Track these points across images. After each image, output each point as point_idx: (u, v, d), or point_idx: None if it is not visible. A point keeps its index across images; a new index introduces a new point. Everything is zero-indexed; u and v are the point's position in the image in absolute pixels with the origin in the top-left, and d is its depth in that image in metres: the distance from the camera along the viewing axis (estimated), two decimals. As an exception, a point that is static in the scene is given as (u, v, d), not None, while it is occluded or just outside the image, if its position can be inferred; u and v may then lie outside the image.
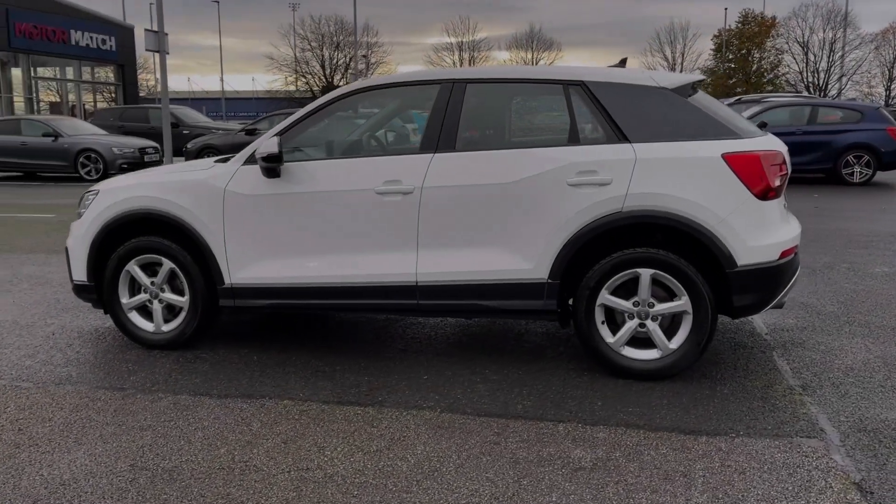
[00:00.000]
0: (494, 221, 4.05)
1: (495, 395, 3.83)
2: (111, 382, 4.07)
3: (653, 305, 3.95)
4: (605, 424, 3.47)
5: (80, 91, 38.67)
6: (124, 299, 4.63)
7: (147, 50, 16.87)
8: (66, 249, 4.76)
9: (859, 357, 4.33)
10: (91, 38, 36.79)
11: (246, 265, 4.38)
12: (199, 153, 17.00)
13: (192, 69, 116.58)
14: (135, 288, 4.64)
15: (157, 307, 4.60)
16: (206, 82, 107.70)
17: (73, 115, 34.04)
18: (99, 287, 4.65)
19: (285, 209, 4.31)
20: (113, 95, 39.84)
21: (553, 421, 3.52)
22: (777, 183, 3.91)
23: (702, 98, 4.27)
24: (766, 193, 3.85)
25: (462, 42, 61.94)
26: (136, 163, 16.99)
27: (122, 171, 16.60)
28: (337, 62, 58.09)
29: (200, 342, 4.65)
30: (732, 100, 18.59)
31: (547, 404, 3.71)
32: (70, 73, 38.25)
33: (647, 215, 3.88)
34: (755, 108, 14.25)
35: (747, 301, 3.91)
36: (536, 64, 63.07)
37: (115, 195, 4.61)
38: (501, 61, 64.27)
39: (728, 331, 4.85)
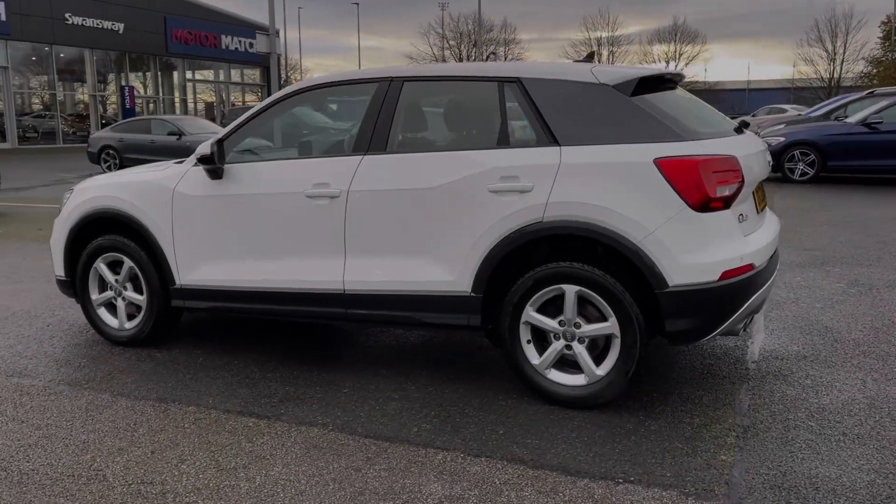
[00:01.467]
0: (418, 228, 3.81)
1: (399, 416, 3.59)
2: (54, 376, 4.20)
3: (580, 326, 3.56)
4: (488, 457, 3.15)
5: (230, 92, 41.10)
6: (94, 295, 4.78)
7: (257, 52, 17.61)
8: (51, 245, 4.98)
9: (844, 396, 3.70)
10: (239, 41, 39.03)
11: (193, 267, 4.38)
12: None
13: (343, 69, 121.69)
14: (105, 285, 4.77)
15: (120, 305, 4.71)
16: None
17: (223, 114, 36.40)
18: (74, 282, 4.83)
19: (224, 211, 4.28)
20: (260, 96, 42.02)
21: (437, 448, 3.25)
22: (725, 192, 3.39)
23: (664, 96, 3.81)
24: (704, 204, 3.35)
25: (601, 37, 60.33)
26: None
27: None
28: (474, 60, 58.33)
29: (166, 341, 4.71)
30: (864, 93, 16.73)
31: (445, 429, 3.43)
32: (221, 75, 40.76)
33: (567, 226, 3.49)
34: (883, 103, 12.78)
35: (682, 326, 3.43)
36: (678, 57, 60.41)
37: (84, 194, 4.76)
38: (642, 55, 62.01)
39: (710, 356, 4.31)
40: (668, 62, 58.11)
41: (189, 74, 38.85)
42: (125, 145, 18.46)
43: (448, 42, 56.41)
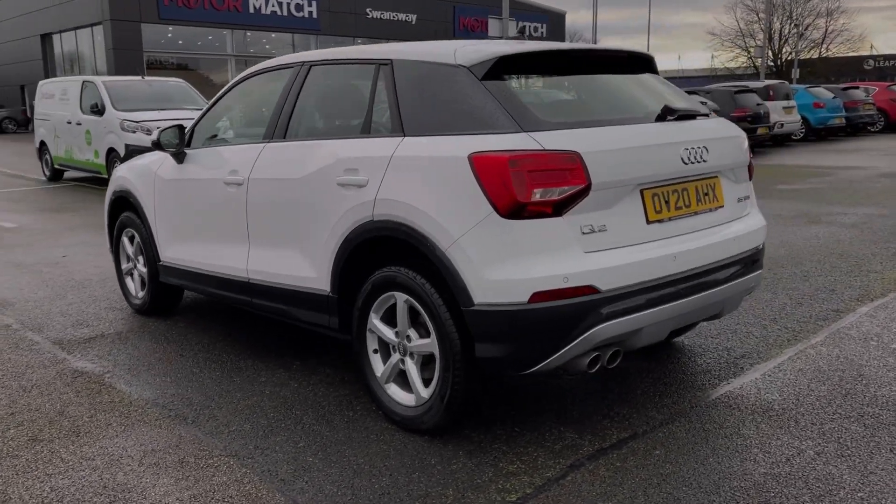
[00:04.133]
0: (292, 220, 3.67)
1: (254, 432, 3.51)
2: (60, 333, 4.79)
3: (411, 340, 3.17)
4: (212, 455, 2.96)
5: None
6: (123, 265, 5.33)
7: (491, 37, 17.80)
8: None
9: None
10: (525, 26, 39.69)
11: (166, 245, 4.69)
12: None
13: (675, 48, 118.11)
14: (128, 257, 5.29)
15: (135, 275, 5.20)
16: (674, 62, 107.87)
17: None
18: (116, 253, 5.44)
19: (180, 194, 4.51)
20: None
21: (223, 454, 3.13)
22: (551, 196, 2.76)
23: (549, 79, 3.21)
24: (516, 210, 2.75)
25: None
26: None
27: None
28: (787, 34, 52.68)
29: (172, 315, 5.11)
30: None
31: (252, 446, 3.29)
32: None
33: (387, 227, 3.12)
34: None
35: (493, 353, 2.87)
36: None
37: (115, 174, 5.31)
38: None
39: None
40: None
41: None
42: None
43: (758, 15, 51.43)
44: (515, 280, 2.76)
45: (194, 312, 5.18)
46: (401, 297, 3.14)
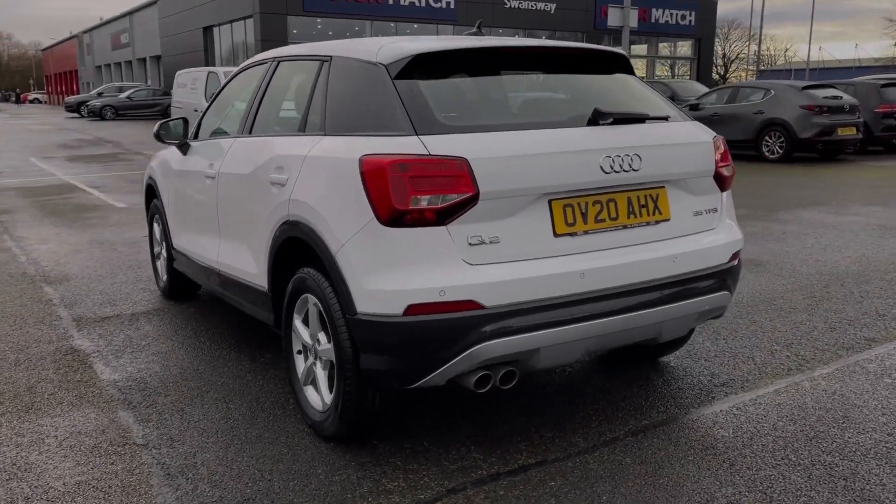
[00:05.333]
0: (242, 215, 3.73)
1: (180, 422, 3.60)
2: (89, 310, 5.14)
3: (320, 343, 3.12)
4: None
5: (655, 66, 40.51)
6: (155, 249, 5.62)
7: (609, 26, 17.15)
8: None
9: None
10: (671, 14, 38.19)
11: (176, 233, 4.89)
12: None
13: (854, 36, 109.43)
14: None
15: (161, 260, 5.47)
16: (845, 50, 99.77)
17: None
18: (150, 238, 5.74)
19: (180, 185, 4.68)
20: (690, 70, 40.53)
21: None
22: (433, 204, 2.60)
23: (474, 79, 3.04)
24: (396, 218, 2.62)
25: None
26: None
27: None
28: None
29: (188, 300, 5.34)
30: None
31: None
32: (645, 49, 40.45)
33: (297, 227, 3.07)
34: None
35: (374, 365, 2.76)
36: None
37: (148, 165, 5.59)
38: None
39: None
40: None
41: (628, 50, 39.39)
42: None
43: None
44: (392, 291, 2.63)
45: (213, 300, 5.38)
46: (311, 300, 3.09)
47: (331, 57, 3.33)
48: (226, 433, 3.23)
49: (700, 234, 3.17)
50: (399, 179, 2.60)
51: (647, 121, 3.12)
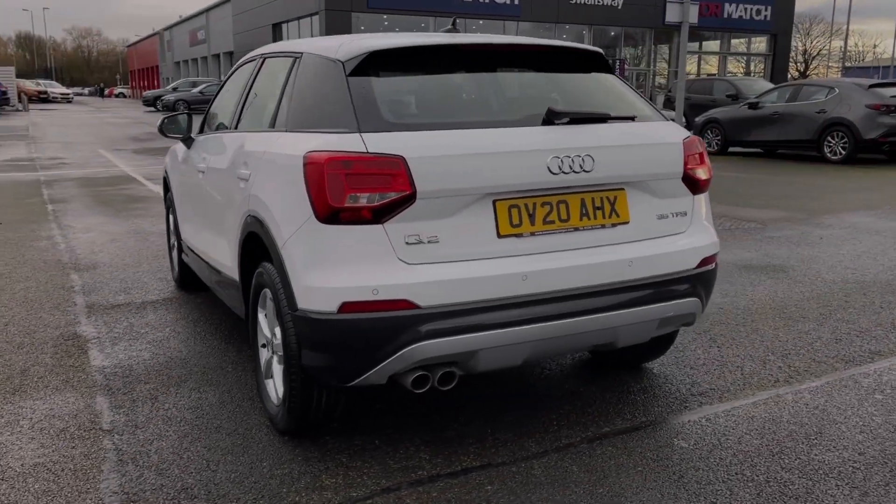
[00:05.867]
0: (221, 209, 3.79)
1: (150, 410, 3.70)
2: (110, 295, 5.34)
3: (277, 337, 3.15)
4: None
5: (727, 63, 39.36)
6: (172, 240, 5.78)
7: (666, 24, 16.72)
8: None
9: None
10: (744, 9, 37.08)
11: (182, 226, 5.02)
12: (703, 128, 16.24)
13: None
14: (175, 235, 5.73)
15: (174, 251, 5.62)
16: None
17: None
18: (167, 229, 5.91)
19: (183, 179, 4.80)
20: (764, 67, 39.22)
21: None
22: (370, 202, 2.59)
23: (427, 77, 3.03)
24: (332, 215, 2.62)
25: None
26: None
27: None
28: None
29: (200, 291, 5.48)
30: None
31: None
32: (717, 46, 39.35)
33: (254, 221, 3.11)
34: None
35: (314, 362, 2.78)
36: None
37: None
38: None
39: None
40: None
41: (692, 46, 38.39)
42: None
43: None
44: (327, 288, 2.64)
45: (222, 290, 5.49)
46: (268, 295, 3.13)
47: (301, 54, 3.36)
48: (189, 422, 3.30)
49: (665, 238, 3.06)
50: (335, 177, 2.61)
51: (609, 120, 3.03)
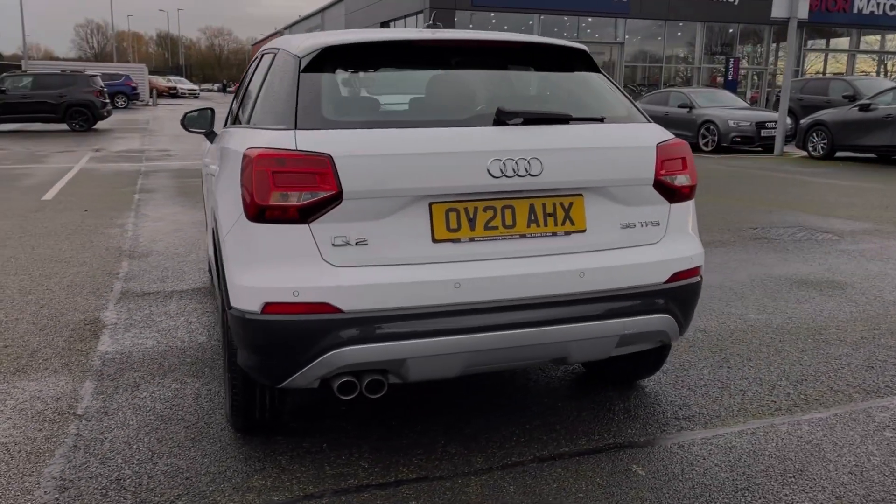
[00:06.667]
0: (208, 203, 3.83)
1: (126, 399, 3.79)
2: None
3: (238, 334, 3.15)
4: (77, 428, 3.21)
5: (855, 61, 36.88)
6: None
7: (773, 18, 15.74)
8: None
9: None
10: (877, 4, 34.70)
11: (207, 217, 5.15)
12: (808, 131, 15.23)
13: None
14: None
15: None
16: None
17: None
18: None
19: (204, 171, 4.91)
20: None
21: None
22: (296, 201, 2.52)
23: (385, 73, 2.94)
24: (259, 213, 2.57)
25: None
26: (751, 137, 16.44)
27: (734, 144, 16.40)
28: None
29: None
30: None
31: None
32: (847, 43, 36.98)
33: (212, 217, 3.11)
34: None
35: (246, 361, 2.74)
36: None
37: (205, 152, 5.91)
38: None
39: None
40: None
41: (811, 43, 36.21)
42: (646, 117, 18.92)
43: None
44: (252, 288, 2.60)
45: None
46: (227, 291, 3.13)
47: (279, 49, 3.34)
48: (155, 413, 3.35)
49: (630, 248, 2.84)
50: (262, 174, 2.56)
51: (572, 121, 2.84)
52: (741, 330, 4.46)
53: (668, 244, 2.92)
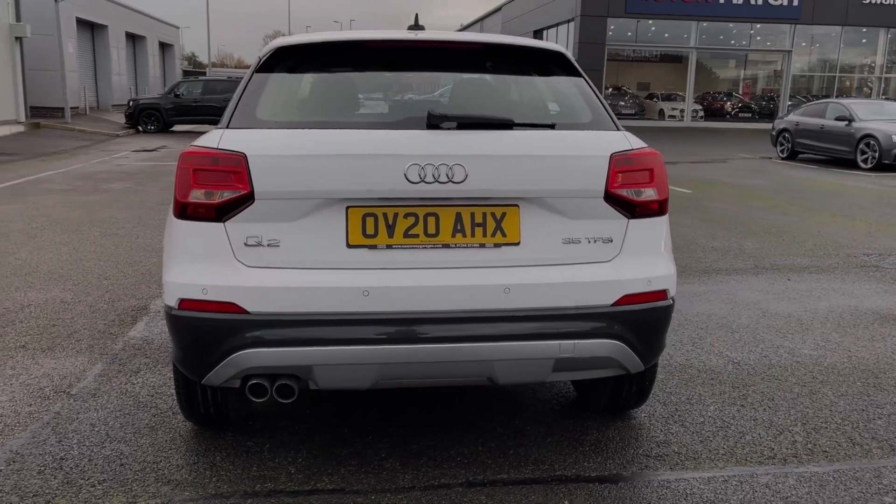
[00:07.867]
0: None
1: (119, 385, 3.95)
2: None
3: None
4: (61, 407, 3.41)
5: None
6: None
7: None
8: None
9: None
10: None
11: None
12: None
13: None
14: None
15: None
16: None
17: None
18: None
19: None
20: None
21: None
22: (211, 199, 2.53)
23: (339, 74, 2.89)
24: (181, 210, 2.59)
25: None
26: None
27: (896, 161, 14.89)
28: None
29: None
30: None
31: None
32: None
33: (179, 215, 3.18)
34: None
35: (173, 356, 2.78)
36: None
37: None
38: None
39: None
40: None
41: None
42: (799, 129, 17.58)
43: None
44: (172, 283, 2.63)
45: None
46: (192, 288, 3.19)
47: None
48: (135, 398, 3.48)
49: (571, 266, 2.61)
50: (185, 171, 2.59)
51: (515, 127, 2.65)
52: (781, 366, 3.99)
53: (621, 263, 2.65)
